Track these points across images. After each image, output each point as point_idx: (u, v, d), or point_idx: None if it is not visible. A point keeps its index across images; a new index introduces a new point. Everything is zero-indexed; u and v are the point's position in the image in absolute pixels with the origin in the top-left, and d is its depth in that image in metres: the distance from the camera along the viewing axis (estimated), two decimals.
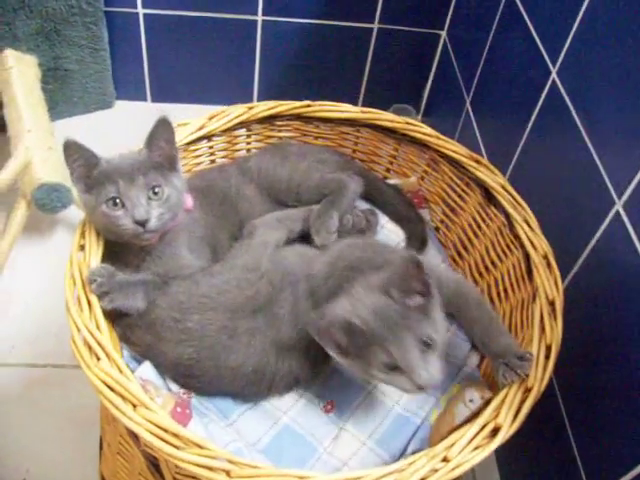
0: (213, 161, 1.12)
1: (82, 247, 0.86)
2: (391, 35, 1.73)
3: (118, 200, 0.85)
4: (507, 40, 1.29)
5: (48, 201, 1.34)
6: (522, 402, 0.77)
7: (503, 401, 0.77)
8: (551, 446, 1.00)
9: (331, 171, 1.07)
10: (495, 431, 0.74)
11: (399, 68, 1.81)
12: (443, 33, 1.73)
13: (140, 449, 0.84)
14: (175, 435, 0.70)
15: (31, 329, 1.32)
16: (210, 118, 1.01)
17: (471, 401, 0.82)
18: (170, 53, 1.75)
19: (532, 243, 0.93)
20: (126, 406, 0.72)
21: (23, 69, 1.51)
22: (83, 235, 0.87)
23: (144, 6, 1.64)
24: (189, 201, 0.95)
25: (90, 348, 0.76)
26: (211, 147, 1.09)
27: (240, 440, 0.82)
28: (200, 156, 1.08)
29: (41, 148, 1.39)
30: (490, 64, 1.38)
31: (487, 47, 1.39)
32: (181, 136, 0.99)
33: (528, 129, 1.16)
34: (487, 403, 0.81)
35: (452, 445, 0.72)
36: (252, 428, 0.86)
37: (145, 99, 1.84)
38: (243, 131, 1.09)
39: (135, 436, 0.84)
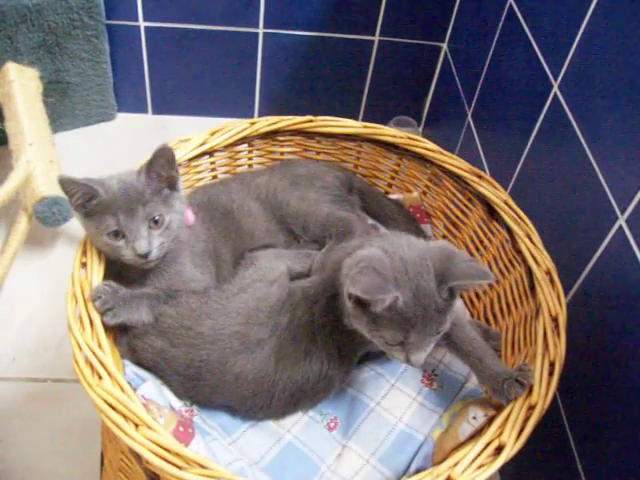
0: (215, 177, 1.12)
1: (84, 264, 0.85)
2: (392, 47, 1.74)
3: (119, 232, 0.85)
4: (508, 53, 1.29)
5: (49, 214, 1.35)
6: (526, 419, 0.76)
7: (507, 418, 0.76)
8: (555, 463, 0.99)
9: (336, 197, 1.07)
10: (499, 449, 0.74)
11: (400, 80, 1.82)
12: (444, 45, 1.73)
13: (142, 467, 0.84)
14: (178, 455, 0.70)
15: (31, 343, 1.31)
16: (212, 134, 1.01)
17: (474, 418, 0.82)
18: (171, 66, 1.75)
19: (535, 259, 0.92)
20: (128, 426, 0.72)
21: (25, 82, 1.52)
22: (85, 253, 0.87)
23: (145, 19, 1.65)
24: (190, 216, 0.94)
25: (92, 367, 0.76)
26: (213, 162, 1.09)
27: (243, 459, 0.81)
28: (202, 172, 1.08)
29: (42, 161, 1.40)
30: (491, 77, 1.38)
31: (488, 60, 1.39)
32: (183, 152, 0.99)
33: (530, 142, 1.16)
34: (490, 420, 0.81)
35: (456, 464, 0.72)
36: (255, 446, 0.85)
37: (146, 111, 1.84)
38: (245, 146, 1.09)
39: (137, 454, 0.84)
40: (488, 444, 0.74)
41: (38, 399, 1.23)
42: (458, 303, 0.91)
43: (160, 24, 1.66)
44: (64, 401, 1.22)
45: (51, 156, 1.43)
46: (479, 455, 0.73)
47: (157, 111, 1.84)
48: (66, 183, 0.83)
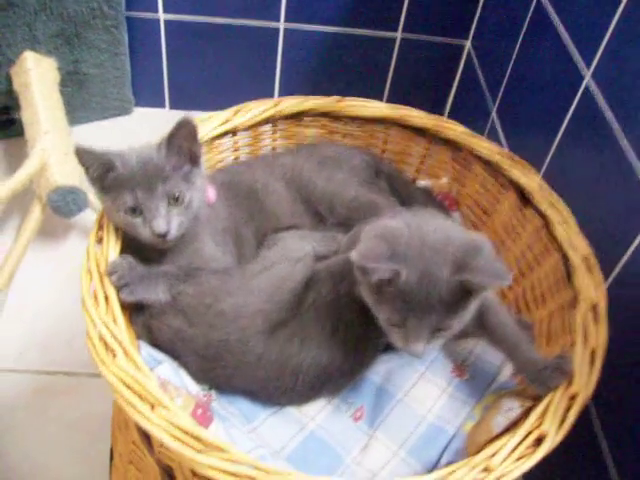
0: (237, 157, 1.08)
1: (100, 240, 0.82)
2: (414, 45, 1.71)
3: (136, 209, 0.82)
4: (536, 47, 1.27)
5: (63, 204, 1.32)
6: (567, 410, 0.71)
7: (547, 408, 0.71)
8: (586, 471, 0.93)
9: (364, 181, 1.03)
10: (539, 440, 0.69)
11: (422, 78, 1.78)
12: (467, 43, 1.70)
13: (154, 457, 0.79)
14: (196, 438, 0.65)
15: (42, 335, 1.28)
16: (235, 112, 0.98)
17: (510, 410, 0.77)
18: (190, 60, 1.73)
19: (572, 245, 0.88)
20: (144, 406, 0.67)
21: (42, 72, 1.50)
22: (101, 227, 0.83)
23: (165, 11, 1.62)
24: (211, 194, 0.90)
25: (106, 344, 0.71)
26: (235, 142, 1.05)
27: (264, 446, 0.76)
28: (224, 151, 1.04)
29: (58, 150, 1.37)
30: (517, 72, 1.35)
31: (514, 55, 1.36)
32: (205, 130, 0.95)
33: (559, 137, 1.12)
34: (526, 412, 0.76)
35: (494, 454, 0.67)
36: (276, 434, 0.81)
37: (163, 106, 1.81)
38: (269, 127, 1.05)
39: (149, 443, 0.80)
40: (528, 434, 0.69)
41: (47, 392, 1.19)
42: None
43: (180, 17, 1.64)
44: (74, 395, 1.19)
45: (67, 145, 1.40)
46: (518, 445, 0.67)
47: (175, 106, 1.82)
48: (82, 153, 0.80)
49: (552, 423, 0.69)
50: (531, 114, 1.27)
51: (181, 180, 0.83)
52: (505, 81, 1.40)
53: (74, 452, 1.10)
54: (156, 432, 0.66)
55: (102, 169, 0.81)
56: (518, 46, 1.34)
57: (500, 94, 1.43)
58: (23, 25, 1.49)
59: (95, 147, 0.80)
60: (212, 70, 1.75)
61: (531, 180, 0.95)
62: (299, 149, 1.09)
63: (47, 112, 1.43)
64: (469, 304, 0.75)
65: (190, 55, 1.72)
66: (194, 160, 0.85)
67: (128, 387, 0.68)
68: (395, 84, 1.79)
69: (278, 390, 0.82)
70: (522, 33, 1.33)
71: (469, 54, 1.69)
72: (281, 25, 1.66)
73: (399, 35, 1.69)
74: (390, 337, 0.78)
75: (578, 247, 0.87)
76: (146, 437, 0.79)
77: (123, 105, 1.76)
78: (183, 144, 0.83)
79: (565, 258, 0.88)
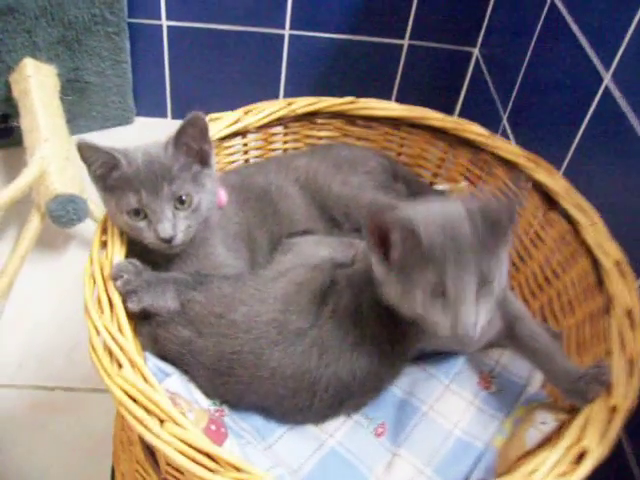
0: (247, 160, 1.03)
1: (104, 244, 0.77)
2: (422, 52, 1.68)
3: (140, 211, 0.77)
4: (550, 51, 1.24)
5: (63, 213, 1.27)
6: (608, 422, 0.66)
7: (587, 421, 0.66)
8: None
9: (380, 185, 0.99)
10: (581, 456, 0.63)
11: (430, 86, 1.75)
12: (475, 50, 1.68)
13: (160, 477, 0.74)
14: (210, 456, 0.60)
15: (40, 349, 1.24)
16: (246, 112, 0.94)
17: (543, 423, 0.72)
18: (193, 68, 1.69)
19: (602, 248, 0.83)
20: (152, 421, 0.62)
21: (42, 79, 1.47)
22: (105, 231, 0.78)
23: (168, 18, 1.59)
24: (223, 197, 0.86)
25: (111, 354, 0.66)
26: (245, 144, 1.01)
27: (281, 465, 0.71)
28: (233, 154, 0.99)
29: (58, 158, 1.33)
30: (530, 78, 1.33)
31: (526, 61, 1.34)
32: (214, 130, 0.91)
33: (577, 140, 1.09)
34: (562, 426, 0.71)
35: (534, 471, 0.61)
36: (293, 452, 0.75)
37: (165, 115, 1.78)
38: (280, 129, 1.01)
39: (155, 461, 0.74)
40: (568, 450, 0.63)
41: (45, 408, 1.14)
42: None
43: (183, 23, 1.61)
44: (73, 411, 1.14)
45: (67, 153, 1.36)
46: (559, 462, 0.62)
47: (177, 116, 1.78)
48: (85, 149, 0.75)
49: (593, 438, 0.64)
50: (546, 119, 1.24)
51: (189, 181, 0.78)
52: (517, 87, 1.38)
53: (73, 472, 1.05)
54: (166, 450, 0.60)
55: (106, 167, 0.77)
56: (530, 51, 1.32)
57: (511, 100, 1.41)
58: (23, 31, 1.46)
59: (99, 143, 0.76)
60: (216, 79, 1.72)
61: (556, 182, 0.91)
62: (313, 150, 1.04)
63: (47, 119, 1.39)
64: (503, 246, 0.71)
65: (193, 63, 1.68)
66: (204, 160, 0.81)
67: (135, 401, 0.63)
68: (402, 91, 1.76)
69: (294, 407, 0.77)
70: (534, 38, 1.31)
71: (477, 61, 1.67)
72: (286, 32, 1.63)
73: (406, 42, 1.67)
74: (433, 322, 0.70)
75: (609, 251, 0.83)
76: (152, 455, 0.75)
77: (124, 114, 1.72)
78: (192, 143, 0.79)
79: (595, 263, 0.84)
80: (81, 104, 1.64)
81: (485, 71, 1.61)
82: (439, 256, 0.67)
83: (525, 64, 1.34)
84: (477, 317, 0.68)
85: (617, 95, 0.97)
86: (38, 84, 1.44)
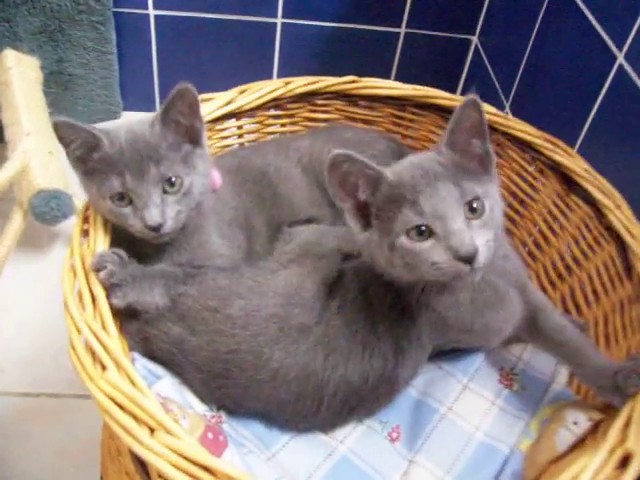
0: (242, 145, 0.97)
1: (86, 232, 0.69)
2: (419, 40, 1.64)
3: (125, 196, 0.70)
4: (557, 34, 1.21)
5: (47, 209, 1.22)
6: None
7: (629, 420, 0.59)
8: None
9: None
10: (625, 460, 0.56)
11: (427, 74, 1.71)
12: (474, 38, 1.65)
13: None
14: (207, 469, 0.53)
15: (25, 353, 1.18)
16: (240, 92, 0.87)
17: (575, 424, 0.66)
18: (182, 59, 1.63)
19: (630, 232, 0.77)
20: (141, 430, 0.55)
21: (23, 70, 1.41)
22: (87, 219, 0.71)
23: (156, 7, 1.53)
24: (217, 179, 0.78)
25: (94, 355, 0.59)
26: (240, 127, 0.94)
27: (287, 477, 0.63)
28: (227, 137, 0.92)
29: (41, 152, 1.28)
30: (534, 63, 1.30)
31: (529, 46, 1.32)
32: (206, 111, 0.84)
33: (588, 122, 1.06)
34: (596, 426, 0.64)
35: (575, 478, 0.54)
36: (300, 461, 0.68)
37: (154, 110, 1.69)
38: (277, 111, 0.94)
39: (146, 473, 0.67)
40: (611, 453, 0.56)
41: (30, 416, 1.10)
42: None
43: (172, 12, 1.55)
44: (59, 418, 1.09)
45: (51, 147, 1.31)
46: (602, 467, 0.55)
47: None
48: (62, 127, 0.68)
49: (638, 438, 0.57)
50: (553, 103, 1.21)
51: (179, 162, 0.71)
52: (520, 72, 1.36)
53: None
54: (157, 463, 0.53)
55: (85, 147, 0.70)
56: (534, 34, 1.29)
57: (514, 87, 1.38)
58: (2, 20, 1.40)
59: (78, 122, 0.68)
60: (206, 70, 1.67)
61: (577, 164, 0.85)
62: (316, 131, 0.98)
63: (29, 112, 1.34)
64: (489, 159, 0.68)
65: (182, 54, 1.63)
66: (195, 139, 0.74)
67: (121, 407, 0.56)
68: (399, 80, 1.70)
69: (298, 415, 0.70)
70: (538, 21, 1.28)
71: (476, 49, 1.64)
72: (279, 20, 1.58)
73: (403, 30, 1.62)
74: (424, 258, 0.62)
75: (637, 235, 0.76)
76: (142, 467, 0.67)
77: (111, 109, 1.66)
78: (181, 119, 0.72)
79: (622, 248, 0.77)
80: (65, 98, 1.58)
81: (485, 59, 1.58)
82: (410, 189, 0.63)
83: (529, 48, 1.32)
84: (473, 240, 0.61)
85: (632, 74, 0.93)
86: (19, 76, 1.39)
